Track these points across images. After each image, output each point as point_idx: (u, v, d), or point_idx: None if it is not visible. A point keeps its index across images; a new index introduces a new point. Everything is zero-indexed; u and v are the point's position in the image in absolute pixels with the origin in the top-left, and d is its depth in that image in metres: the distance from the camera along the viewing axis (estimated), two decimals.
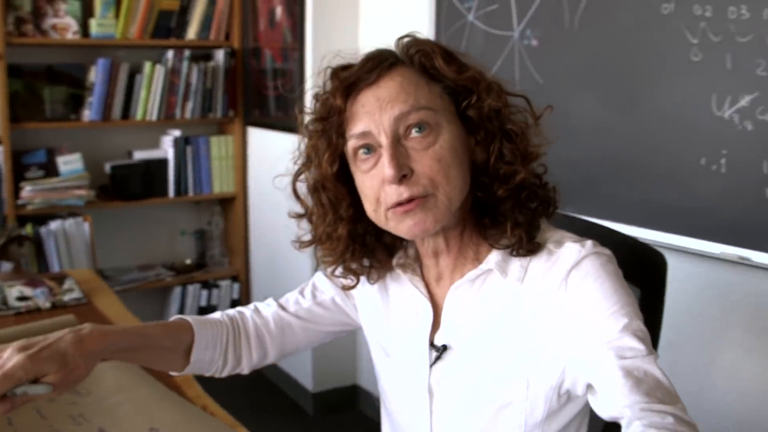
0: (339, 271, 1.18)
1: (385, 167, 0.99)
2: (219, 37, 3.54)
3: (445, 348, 1.12)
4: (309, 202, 1.14)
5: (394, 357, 1.21)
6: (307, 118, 1.10)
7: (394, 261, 1.18)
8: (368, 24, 3.07)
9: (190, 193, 3.58)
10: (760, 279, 1.70)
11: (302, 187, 1.15)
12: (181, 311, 3.60)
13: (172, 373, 1.19)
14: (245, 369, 1.26)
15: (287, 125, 3.31)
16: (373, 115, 1.01)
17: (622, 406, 0.90)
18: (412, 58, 1.04)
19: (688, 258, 1.80)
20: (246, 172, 3.68)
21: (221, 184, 3.65)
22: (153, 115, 3.39)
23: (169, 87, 3.41)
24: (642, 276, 1.23)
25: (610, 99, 1.99)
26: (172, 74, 3.41)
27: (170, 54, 3.40)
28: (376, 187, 1.03)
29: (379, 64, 1.03)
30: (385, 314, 1.22)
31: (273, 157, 3.42)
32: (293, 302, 1.28)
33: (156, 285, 3.52)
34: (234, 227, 3.75)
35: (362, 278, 1.19)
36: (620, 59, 1.95)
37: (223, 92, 3.55)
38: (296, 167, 1.14)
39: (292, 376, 3.39)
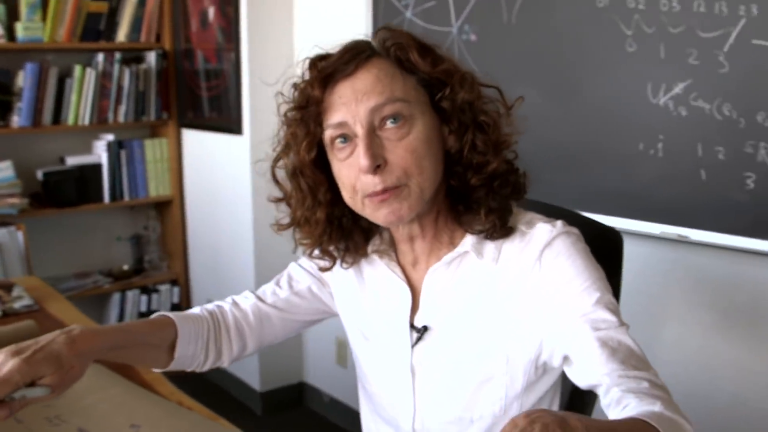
0: (316, 252, 1.21)
1: (361, 157, 1.03)
2: (149, 38, 3.49)
3: (425, 329, 1.16)
4: (287, 186, 1.17)
5: (374, 340, 1.24)
6: (284, 107, 1.13)
7: (370, 248, 1.21)
8: (304, 23, 3.09)
9: (126, 198, 3.52)
10: (699, 255, 1.80)
11: (280, 172, 1.18)
12: (121, 318, 3.55)
13: (156, 370, 1.20)
14: (226, 362, 1.27)
15: (222, 126, 3.30)
16: (350, 106, 1.04)
17: (601, 374, 0.96)
18: (388, 51, 1.07)
19: (631, 238, 1.87)
20: (182, 174, 3.65)
21: (157, 187, 3.61)
22: (85, 119, 3.33)
23: (101, 90, 3.36)
24: (601, 254, 1.29)
25: (549, 90, 2.07)
26: (104, 77, 3.35)
27: (100, 57, 3.34)
28: (353, 175, 1.06)
29: (356, 55, 1.06)
30: (362, 299, 1.25)
31: (209, 158, 3.43)
32: (270, 293, 1.30)
33: (94, 292, 3.46)
34: (171, 231, 3.72)
35: (338, 264, 1.23)
36: (558, 52, 2.03)
37: (156, 94, 3.51)
38: (275, 153, 1.16)
39: (239, 376, 3.39)
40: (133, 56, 3.49)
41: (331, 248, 1.20)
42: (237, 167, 3.22)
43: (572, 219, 1.34)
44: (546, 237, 1.08)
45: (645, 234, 1.85)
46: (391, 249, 1.21)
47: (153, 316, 1.20)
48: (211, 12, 3.26)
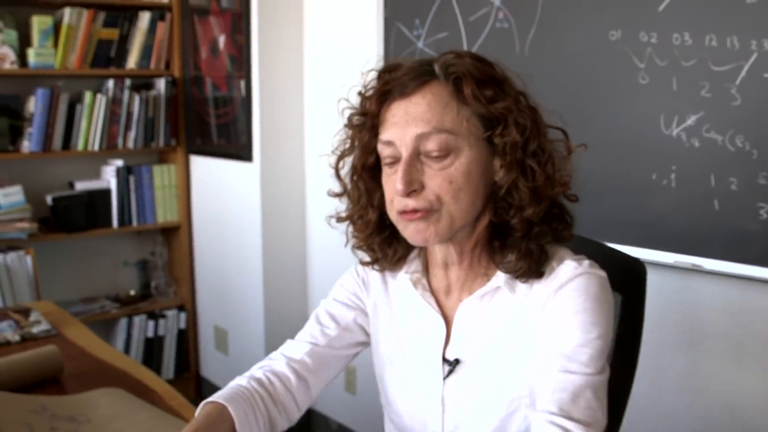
0: (364, 247, 1.24)
1: (397, 181, 1.06)
2: (159, 65, 3.53)
3: (457, 362, 1.17)
4: (348, 183, 1.21)
5: (404, 370, 1.25)
6: (348, 111, 1.19)
7: (405, 268, 1.23)
8: (314, 52, 3.13)
9: (134, 223, 3.54)
10: (713, 284, 1.82)
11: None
12: (128, 342, 3.55)
13: None
14: (294, 419, 1.25)
15: (231, 153, 3.33)
16: (399, 127, 1.08)
17: (537, 409, 1.01)
18: (448, 78, 1.08)
19: None
20: (190, 200, 3.67)
21: (165, 213, 3.63)
22: (95, 145, 3.36)
23: (111, 116, 3.39)
24: (624, 283, 1.32)
25: (562, 120, 2.09)
26: (113, 104, 3.39)
27: (111, 83, 3.38)
28: (392, 191, 1.10)
29: (416, 77, 1.09)
30: (394, 328, 1.26)
31: (216, 184, 3.45)
32: (320, 334, 1.28)
33: (101, 317, 3.46)
34: (179, 256, 3.73)
35: (372, 288, 1.27)
36: (571, 83, 2.06)
37: (165, 121, 3.54)
38: (339, 150, 1.21)
39: None
40: (142, 83, 3.53)
41: (375, 246, 1.23)
42: (246, 194, 3.24)
43: (596, 248, 1.37)
44: (569, 274, 1.09)
45: (659, 263, 1.87)
46: (424, 276, 1.22)
47: (201, 405, 1.17)
48: (222, 40, 3.30)
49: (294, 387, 1.23)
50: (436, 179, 1.07)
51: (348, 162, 1.20)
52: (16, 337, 1.87)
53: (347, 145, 1.19)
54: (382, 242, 1.21)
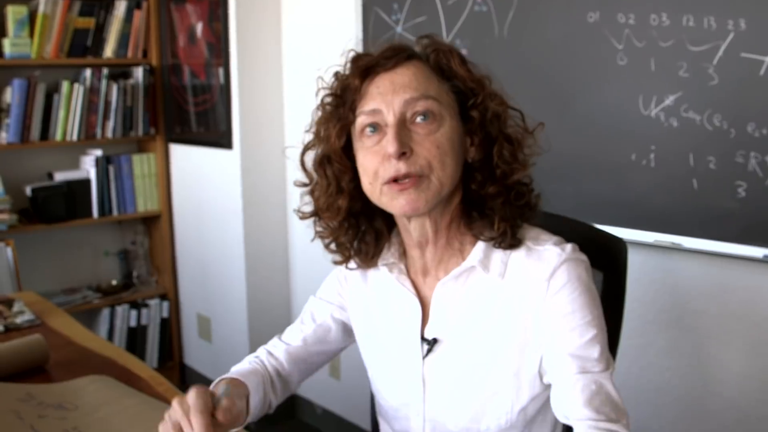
0: (333, 246, 1.25)
1: (389, 143, 1.07)
2: (137, 54, 3.50)
3: (435, 341, 1.19)
4: (314, 174, 1.21)
5: (386, 353, 1.28)
6: (322, 93, 1.19)
7: (380, 261, 1.25)
8: (292, 38, 3.12)
9: (114, 213, 3.52)
10: (692, 262, 1.85)
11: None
12: (111, 332, 3.54)
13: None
14: (272, 409, 1.33)
15: (210, 141, 3.32)
16: (386, 95, 1.10)
17: (575, 418, 1.04)
18: (428, 56, 1.14)
19: None
20: (170, 189, 3.66)
21: (145, 202, 3.61)
22: (73, 135, 3.33)
23: (89, 106, 3.36)
24: (605, 261, 1.34)
25: (541, 102, 2.11)
26: (91, 93, 3.36)
27: (88, 72, 3.35)
28: (377, 162, 1.10)
29: (397, 53, 1.13)
30: (373, 314, 1.29)
31: (197, 172, 3.44)
32: (296, 333, 1.36)
33: (84, 307, 3.45)
34: (160, 245, 3.72)
35: (351, 281, 1.29)
36: (550, 65, 2.08)
37: (143, 110, 3.51)
38: (305, 140, 1.22)
39: None
40: (120, 72, 3.50)
41: (346, 243, 1.23)
42: (226, 181, 3.23)
43: (577, 228, 1.39)
44: (555, 261, 1.12)
45: (639, 242, 1.90)
46: (401, 261, 1.24)
47: (216, 381, 1.21)
48: (199, 28, 3.28)
49: (275, 379, 1.32)
50: (425, 144, 1.08)
51: (311, 156, 1.21)
52: (0, 327, 1.86)
53: (314, 134, 1.20)
54: (352, 235, 1.23)
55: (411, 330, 1.22)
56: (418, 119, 1.09)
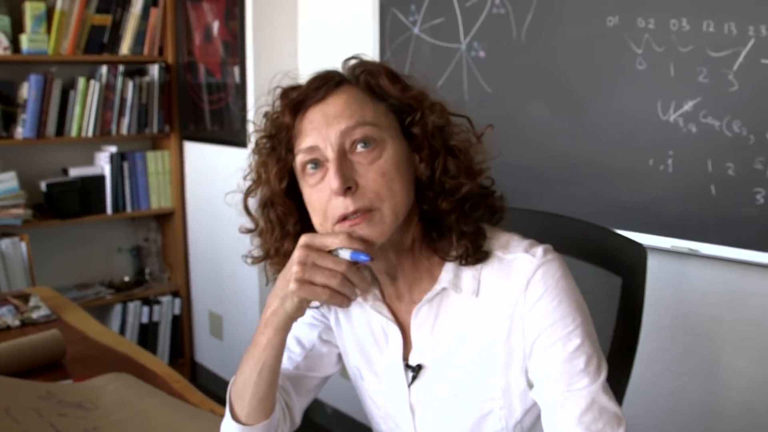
0: None
1: (332, 179, 1.01)
2: (152, 51, 3.52)
3: (420, 367, 1.15)
4: (259, 218, 1.15)
5: (371, 380, 1.23)
6: (255, 136, 1.12)
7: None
8: (309, 37, 3.13)
9: (128, 209, 3.54)
10: (709, 269, 1.85)
11: (253, 203, 1.16)
12: (123, 328, 3.55)
13: None
14: None
15: (224, 139, 3.32)
16: (321, 130, 1.04)
17: None
18: (358, 78, 1.09)
19: None
20: (183, 186, 3.67)
21: (159, 199, 3.62)
22: (89, 131, 3.35)
23: (104, 103, 3.37)
24: (624, 266, 1.34)
25: (559, 106, 2.11)
26: (107, 90, 3.37)
27: (104, 69, 3.36)
28: (324, 200, 1.04)
29: (325, 82, 1.07)
30: (355, 342, 1.24)
31: (210, 170, 3.45)
32: (287, 361, 1.27)
33: (96, 303, 3.46)
34: (173, 242, 3.73)
35: (333, 309, 1.23)
36: (568, 69, 2.08)
37: (158, 107, 3.53)
38: (247, 184, 1.15)
39: None
40: (136, 69, 3.52)
41: None
42: (240, 180, 3.23)
43: (596, 232, 1.39)
44: (528, 269, 1.06)
45: (656, 248, 1.89)
46: (375, 286, 1.18)
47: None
48: (216, 26, 3.29)
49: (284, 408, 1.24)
50: (369, 174, 1.03)
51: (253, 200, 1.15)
52: (17, 322, 1.87)
53: (253, 178, 1.14)
54: None
55: (393, 358, 1.17)
56: (359, 147, 1.03)
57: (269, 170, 1.09)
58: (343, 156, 1.03)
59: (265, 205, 1.12)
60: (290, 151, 1.07)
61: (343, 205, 1.02)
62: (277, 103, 1.10)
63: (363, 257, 1.00)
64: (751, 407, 1.82)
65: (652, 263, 1.85)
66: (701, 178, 1.81)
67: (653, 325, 1.94)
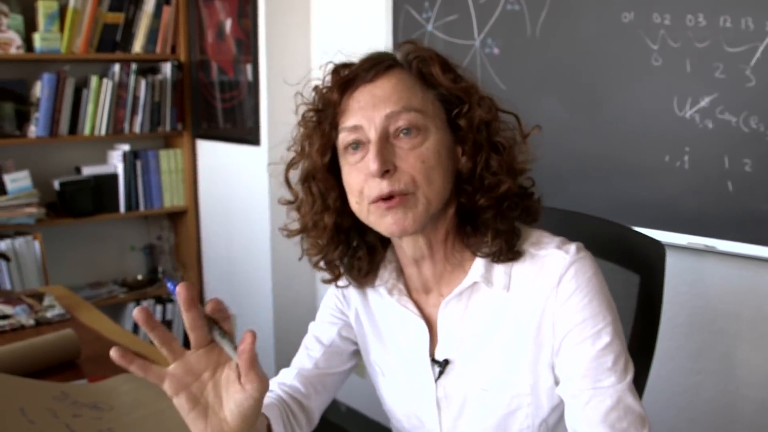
0: (322, 263, 1.19)
1: (371, 161, 1.02)
2: (165, 50, 3.52)
3: (447, 362, 1.14)
4: (299, 191, 1.16)
5: (395, 377, 1.22)
6: (302, 108, 1.13)
7: (377, 281, 1.19)
8: (321, 35, 3.12)
9: (141, 208, 3.54)
10: (726, 265, 1.83)
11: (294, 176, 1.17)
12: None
13: None
14: None
15: (236, 137, 3.33)
16: (366, 110, 1.05)
17: None
18: (410, 63, 1.09)
19: None
20: (196, 184, 3.67)
21: (172, 197, 3.63)
22: (101, 129, 3.35)
23: (117, 101, 3.38)
24: (642, 264, 1.32)
25: (574, 102, 2.10)
26: (120, 88, 3.38)
27: (117, 68, 3.37)
28: (361, 180, 1.05)
29: (377, 64, 1.07)
30: (378, 337, 1.23)
31: (223, 169, 3.45)
32: (307, 359, 1.28)
33: (109, 302, 3.47)
34: (185, 241, 3.73)
35: (351, 302, 1.24)
36: (583, 65, 2.06)
37: (171, 105, 3.53)
38: (289, 156, 1.16)
39: None
40: (148, 67, 3.53)
41: (336, 261, 1.18)
42: (253, 177, 3.24)
43: (614, 229, 1.37)
44: (561, 266, 1.06)
45: (672, 244, 1.87)
46: (400, 281, 1.18)
47: None
48: (228, 24, 3.29)
49: (296, 410, 1.23)
50: (409, 159, 1.03)
51: (295, 173, 1.15)
52: (31, 321, 1.87)
53: (297, 151, 1.14)
54: (340, 252, 1.16)
55: (419, 352, 1.16)
56: (402, 133, 1.04)
57: (312, 144, 1.11)
58: (385, 139, 1.04)
59: (307, 178, 1.13)
60: (334, 127, 1.08)
61: (379, 186, 1.02)
62: (328, 78, 1.11)
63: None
64: (767, 404, 1.80)
65: (668, 260, 1.83)
66: (718, 174, 1.79)
67: (669, 322, 1.93)
